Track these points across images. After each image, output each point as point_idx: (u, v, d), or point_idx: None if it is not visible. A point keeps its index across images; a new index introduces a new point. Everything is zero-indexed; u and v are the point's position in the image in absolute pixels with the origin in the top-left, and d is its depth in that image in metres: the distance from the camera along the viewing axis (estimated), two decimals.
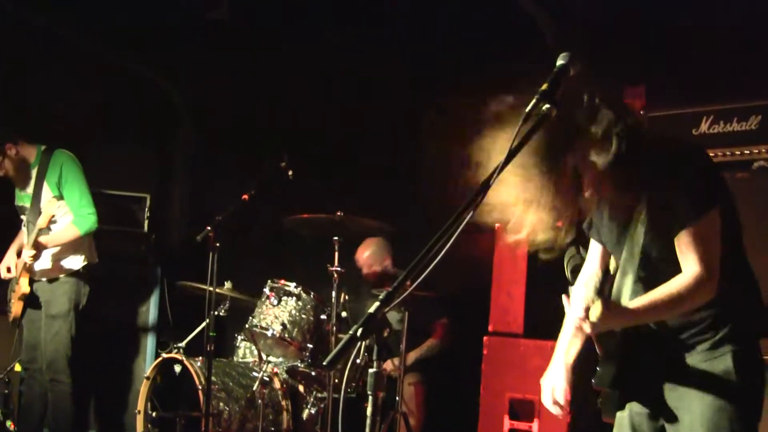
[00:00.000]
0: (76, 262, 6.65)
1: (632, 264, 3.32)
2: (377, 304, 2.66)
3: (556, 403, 3.66)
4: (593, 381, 3.46)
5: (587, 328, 3.13)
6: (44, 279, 6.62)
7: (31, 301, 6.64)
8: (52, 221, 6.48)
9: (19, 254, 6.75)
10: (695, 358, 3.30)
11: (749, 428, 3.25)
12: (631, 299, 3.30)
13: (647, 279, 3.29)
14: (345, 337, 2.65)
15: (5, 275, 6.76)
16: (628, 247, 3.33)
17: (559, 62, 3.17)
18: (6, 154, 6.51)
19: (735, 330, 3.26)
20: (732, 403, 3.21)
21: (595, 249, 3.71)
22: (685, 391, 3.30)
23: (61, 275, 6.62)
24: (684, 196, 3.16)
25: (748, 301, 3.35)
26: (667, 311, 3.22)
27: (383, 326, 2.64)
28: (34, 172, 6.62)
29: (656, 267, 3.28)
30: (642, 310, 3.18)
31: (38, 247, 6.42)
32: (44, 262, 6.58)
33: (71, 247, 6.61)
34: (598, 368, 3.45)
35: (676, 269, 3.18)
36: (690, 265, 3.14)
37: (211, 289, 5.96)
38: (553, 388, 3.68)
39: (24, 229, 6.71)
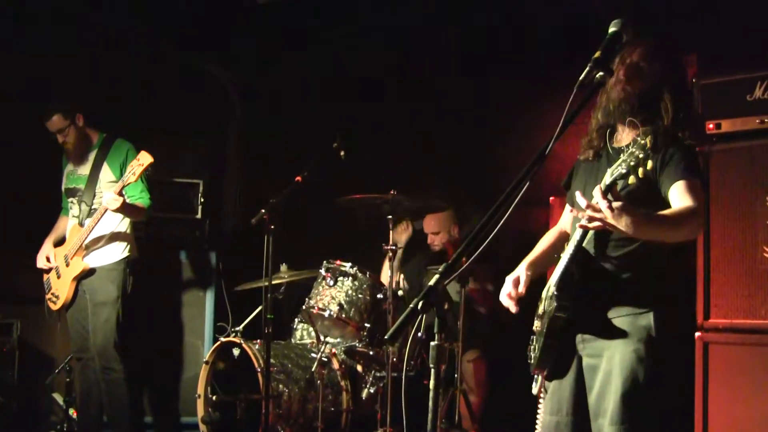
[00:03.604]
0: (119, 252, 6.61)
1: None
2: (437, 276, 2.65)
3: (509, 295, 3.81)
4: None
5: (609, 216, 3.22)
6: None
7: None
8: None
9: (56, 244, 6.76)
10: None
11: (657, 378, 3.57)
12: None
13: None
14: (405, 311, 2.64)
15: (45, 265, 6.72)
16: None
17: (612, 29, 3.14)
18: (74, 122, 6.53)
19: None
20: (648, 355, 3.54)
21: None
22: (606, 343, 3.62)
23: (104, 264, 6.58)
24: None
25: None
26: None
27: (444, 299, 2.64)
28: (92, 155, 6.61)
29: None
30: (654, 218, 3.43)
31: (120, 196, 6.19)
32: (90, 249, 6.56)
33: (118, 237, 6.59)
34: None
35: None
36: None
37: (266, 284, 6.01)
38: (511, 282, 3.83)
39: (72, 210, 6.66)
